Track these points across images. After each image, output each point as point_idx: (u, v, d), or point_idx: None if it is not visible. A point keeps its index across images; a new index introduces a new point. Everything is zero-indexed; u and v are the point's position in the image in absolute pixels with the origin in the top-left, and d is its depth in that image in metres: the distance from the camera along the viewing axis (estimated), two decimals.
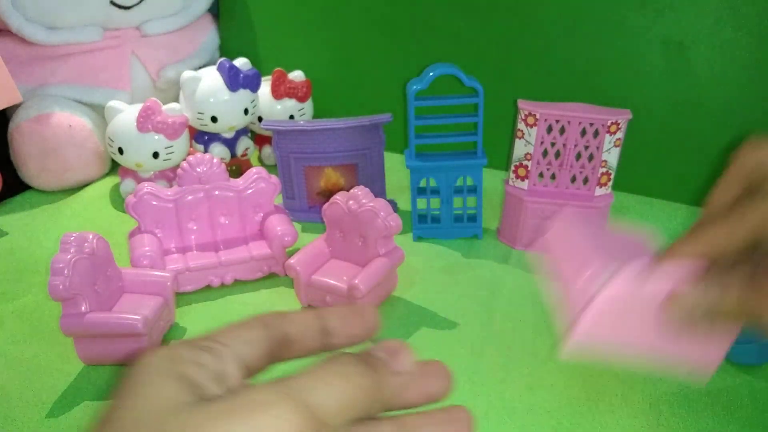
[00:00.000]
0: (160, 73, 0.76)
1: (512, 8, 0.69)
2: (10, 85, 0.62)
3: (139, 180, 0.66)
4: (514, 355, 0.47)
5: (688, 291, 0.32)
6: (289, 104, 0.73)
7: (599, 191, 0.57)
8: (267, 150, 0.76)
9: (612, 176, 0.57)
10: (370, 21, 0.77)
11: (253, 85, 0.69)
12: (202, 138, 0.70)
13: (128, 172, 0.68)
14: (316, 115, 0.77)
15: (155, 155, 0.65)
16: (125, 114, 0.65)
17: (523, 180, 0.58)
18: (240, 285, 0.55)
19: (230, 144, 0.71)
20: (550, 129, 0.55)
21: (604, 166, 0.56)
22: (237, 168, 0.73)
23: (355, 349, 0.25)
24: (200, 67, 0.71)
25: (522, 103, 0.55)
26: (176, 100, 0.70)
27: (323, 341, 0.26)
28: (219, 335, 0.24)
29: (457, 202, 0.61)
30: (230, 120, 0.68)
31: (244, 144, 0.72)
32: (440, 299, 0.53)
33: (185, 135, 0.66)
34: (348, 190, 0.53)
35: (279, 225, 0.56)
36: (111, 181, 0.72)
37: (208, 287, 0.55)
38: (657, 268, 0.32)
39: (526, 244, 0.60)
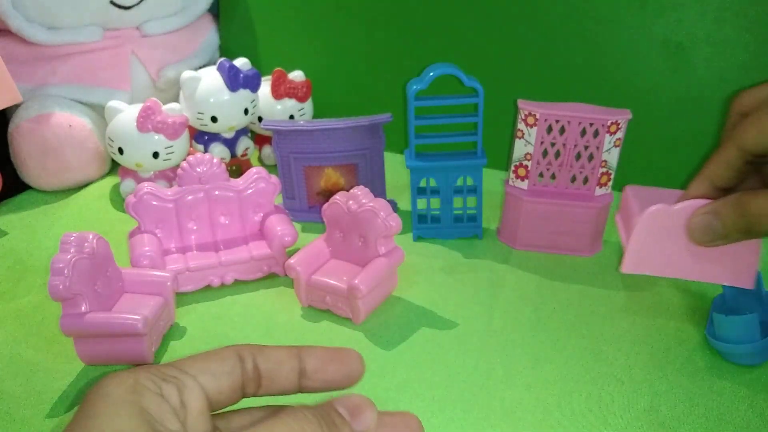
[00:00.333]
0: (160, 73, 0.76)
1: (512, 8, 0.69)
2: (10, 85, 0.62)
3: (139, 180, 0.66)
4: (514, 355, 0.47)
5: (694, 214, 0.39)
6: (289, 104, 0.73)
7: (599, 191, 0.57)
8: (267, 150, 0.76)
9: (612, 176, 0.57)
10: (370, 21, 0.77)
11: (253, 85, 0.69)
12: (202, 138, 0.71)
13: (128, 172, 0.68)
14: (316, 115, 0.77)
15: (155, 155, 0.65)
16: (125, 114, 0.65)
17: (523, 180, 0.58)
18: (240, 285, 0.56)
19: (230, 144, 0.71)
20: (550, 129, 0.55)
21: (604, 166, 0.56)
22: (237, 168, 0.73)
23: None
24: (200, 67, 0.71)
25: (522, 103, 0.55)
26: (176, 100, 0.70)
27: (298, 382, 0.25)
28: (187, 364, 0.23)
29: (457, 202, 0.61)
30: (230, 120, 0.68)
31: (244, 144, 0.72)
32: (440, 299, 0.53)
33: (185, 135, 0.66)
34: (348, 190, 0.53)
35: (279, 225, 0.56)
36: (111, 181, 0.72)
37: (208, 287, 0.55)
38: (679, 202, 0.40)
39: (526, 244, 0.60)
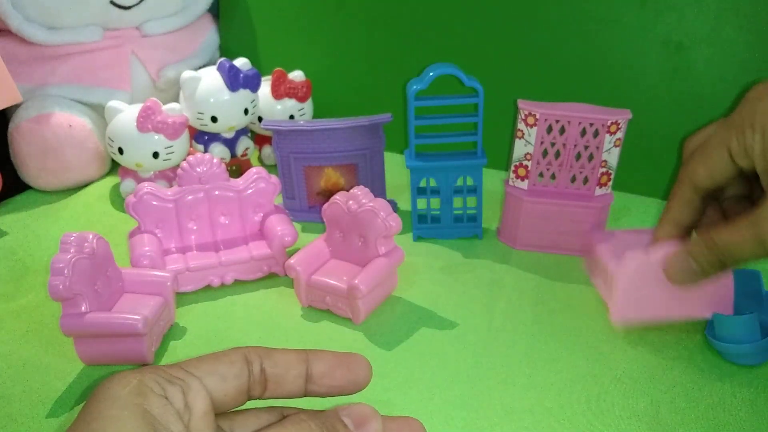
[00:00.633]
0: (160, 73, 0.76)
1: (512, 8, 0.69)
2: (10, 85, 0.62)
3: (139, 180, 0.66)
4: (514, 355, 0.47)
5: (670, 259, 0.43)
6: (289, 104, 0.73)
7: (599, 191, 0.57)
8: (267, 150, 0.76)
9: (612, 176, 0.57)
10: (370, 21, 0.77)
11: (253, 85, 0.69)
12: (202, 138, 0.71)
13: (128, 172, 0.68)
14: (316, 115, 0.77)
15: (155, 155, 0.65)
16: (125, 114, 0.65)
17: (523, 180, 0.58)
18: (240, 285, 0.56)
19: (230, 144, 0.71)
20: (550, 129, 0.55)
21: (604, 166, 0.56)
22: (237, 168, 0.73)
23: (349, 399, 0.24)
24: (200, 67, 0.71)
25: (522, 103, 0.55)
26: (176, 100, 0.70)
27: (304, 387, 0.24)
28: (194, 366, 0.23)
29: (457, 202, 0.61)
30: (230, 120, 0.68)
31: (244, 144, 0.72)
32: (440, 299, 0.53)
33: (185, 135, 0.66)
34: (348, 190, 0.53)
35: (279, 225, 0.56)
36: (111, 181, 0.72)
37: (208, 287, 0.55)
38: (652, 247, 0.44)
39: (526, 244, 0.60)
